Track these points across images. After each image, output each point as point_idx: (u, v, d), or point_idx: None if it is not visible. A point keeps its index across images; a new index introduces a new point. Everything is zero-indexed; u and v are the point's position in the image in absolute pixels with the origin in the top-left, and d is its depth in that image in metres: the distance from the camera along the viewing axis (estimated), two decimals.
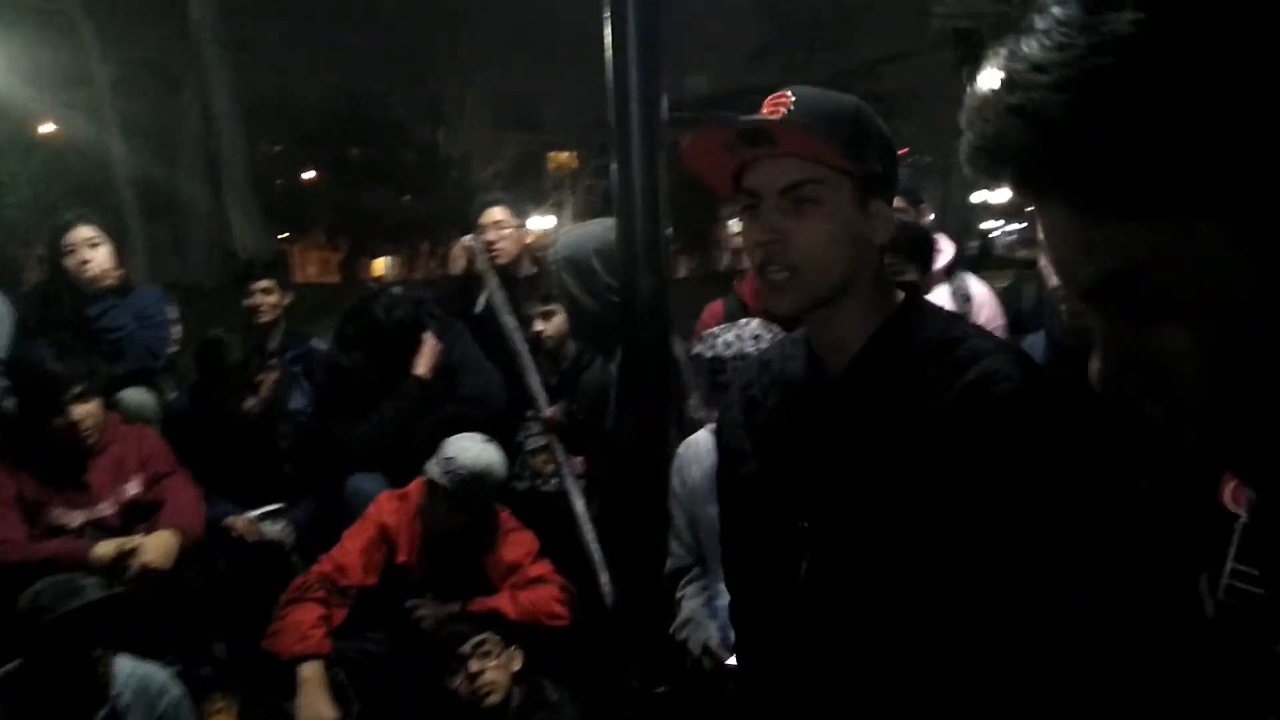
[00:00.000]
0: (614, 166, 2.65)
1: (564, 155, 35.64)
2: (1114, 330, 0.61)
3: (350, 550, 2.93)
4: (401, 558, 2.95)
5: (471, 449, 2.97)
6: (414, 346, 3.47)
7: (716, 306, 3.32)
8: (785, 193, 1.25)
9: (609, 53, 2.58)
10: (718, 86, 29.45)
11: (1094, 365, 0.63)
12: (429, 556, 2.97)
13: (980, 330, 1.38)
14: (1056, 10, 0.56)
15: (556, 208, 29.87)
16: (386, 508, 3.01)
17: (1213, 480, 2.27)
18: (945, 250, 3.35)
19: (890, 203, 1.31)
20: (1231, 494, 2.56)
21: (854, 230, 1.27)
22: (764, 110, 1.29)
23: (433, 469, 2.94)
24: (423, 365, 3.45)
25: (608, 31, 2.58)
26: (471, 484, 2.90)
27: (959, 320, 1.45)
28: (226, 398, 3.41)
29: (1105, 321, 0.61)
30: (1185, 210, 0.53)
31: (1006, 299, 3.82)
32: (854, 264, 1.28)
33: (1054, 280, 2.17)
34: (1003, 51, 0.60)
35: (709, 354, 2.34)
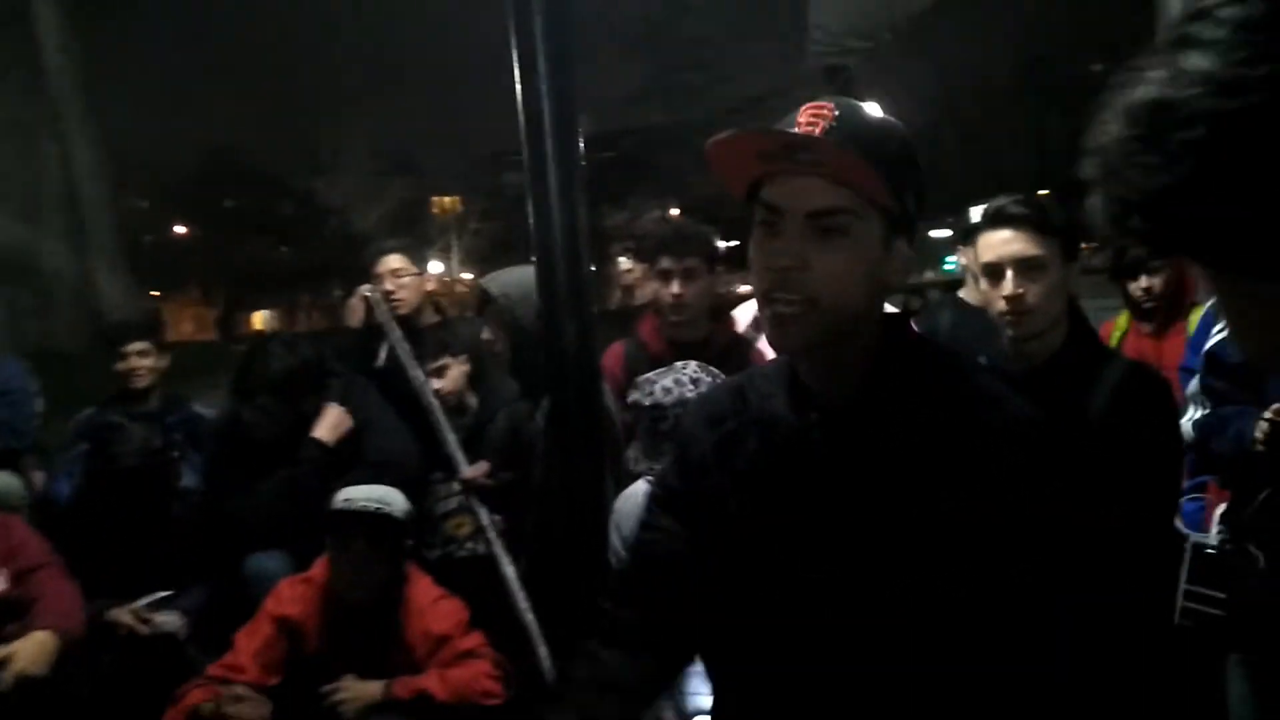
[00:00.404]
0: (530, 206, 2.50)
1: (448, 200, 35.24)
2: None
3: (244, 650, 2.65)
4: (311, 645, 2.68)
5: (362, 486, 2.77)
6: (321, 393, 3.22)
7: (617, 348, 3.15)
8: (813, 217, 1.13)
9: (519, 85, 2.44)
10: (598, 128, 29.63)
11: None
12: (342, 636, 2.71)
13: (973, 359, 1.30)
14: (1232, 11, 0.41)
15: (443, 253, 29.45)
16: (287, 596, 2.74)
17: (1170, 506, 2.22)
18: None
19: (912, 243, 1.21)
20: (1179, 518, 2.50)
21: (875, 269, 1.17)
22: (801, 119, 1.15)
23: (331, 520, 2.71)
24: (324, 428, 3.19)
25: (516, 62, 2.45)
26: (377, 511, 2.68)
27: (950, 350, 1.36)
28: (123, 494, 3.10)
29: None
30: None
31: (923, 322, 3.80)
32: (867, 304, 1.18)
33: (1000, 305, 2.08)
34: (1153, 75, 0.43)
35: (648, 401, 2.19)
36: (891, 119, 1.21)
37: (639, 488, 2.39)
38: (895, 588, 1.12)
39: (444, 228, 31.90)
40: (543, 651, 2.51)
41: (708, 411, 1.35)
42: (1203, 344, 2.98)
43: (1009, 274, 2.00)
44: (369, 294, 3.64)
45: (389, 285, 3.77)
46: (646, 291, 3.14)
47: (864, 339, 1.19)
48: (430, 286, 4.14)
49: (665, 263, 2.94)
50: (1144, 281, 3.48)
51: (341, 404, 3.32)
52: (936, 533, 1.10)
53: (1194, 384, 2.48)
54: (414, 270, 3.87)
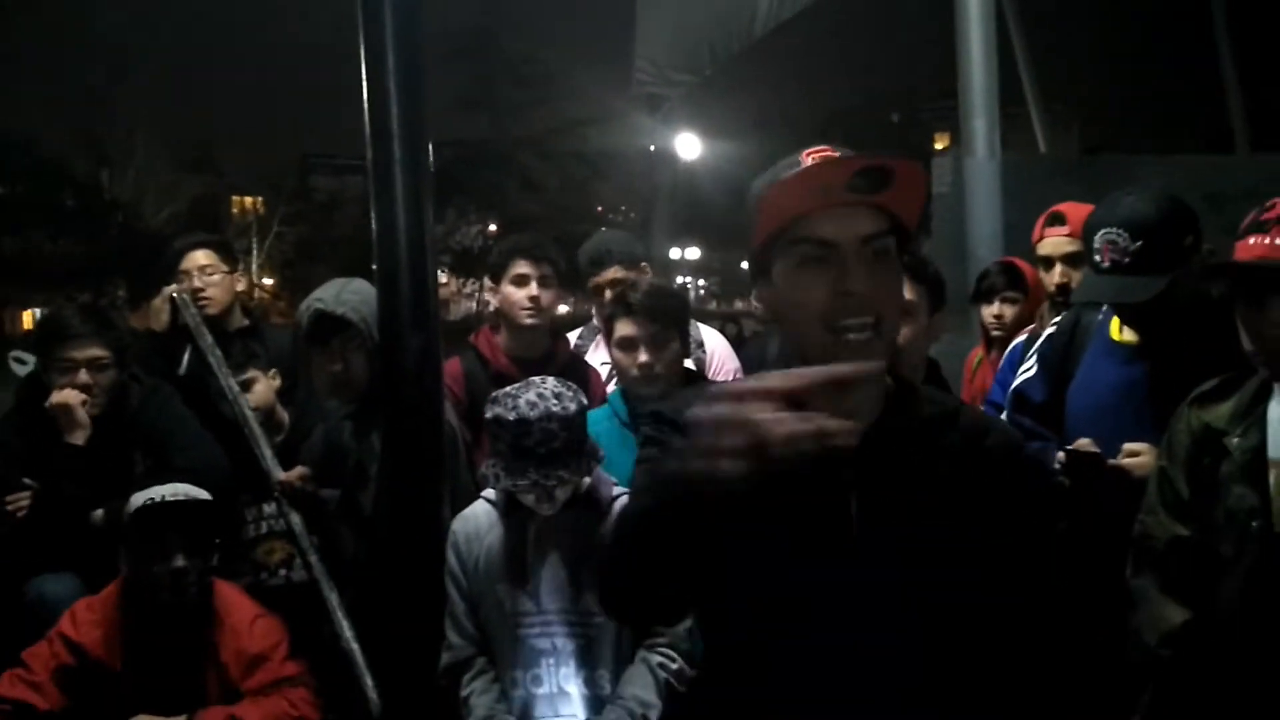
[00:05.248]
0: (373, 213, 2.39)
1: (250, 200, 33.51)
2: None
3: (39, 670, 2.39)
4: (111, 672, 2.42)
5: (161, 486, 2.52)
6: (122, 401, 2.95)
7: (454, 365, 3.05)
8: (867, 242, 1.21)
9: (365, 84, 2.33)
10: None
11: None
12: (146, 659, 2.44)
13: (951, 395, 1.49)
14: None
15: (243, 255, 27.91)
16: (84, 619, 2.47)
17: None
18: None
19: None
20: None
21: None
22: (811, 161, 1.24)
23: (135, 521, 2.45)
24: (74, 431, 2.84)
25: (363, 60, 2.34)
26: (186, 500, 2.46)
27: (931, 387, 1.50)
28: None
29: None
30: None
31: (753, 349, 3.89)
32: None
33: None
34: None
35: (512, 416, 2.10)
36: None
37: (479, 508, 2.31)
38: (909, 586, 1.21)
39: (243, 229, 30.20)
40: (369, 682, 2.37)
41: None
42: (1008, 380, 3.17)
43: None
44: (176, 295, 3.36)
45: (197, 283, 3.50)
46: (497, 301, 3.09)
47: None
48: (241, 286, 3.88)
49: (522, 267, 2.96)
50: (996, 308, 3.52)
51: (141, 414, 3.04)
52: (946, 539, 1.22)
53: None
54: (224, 267, 3.61)
